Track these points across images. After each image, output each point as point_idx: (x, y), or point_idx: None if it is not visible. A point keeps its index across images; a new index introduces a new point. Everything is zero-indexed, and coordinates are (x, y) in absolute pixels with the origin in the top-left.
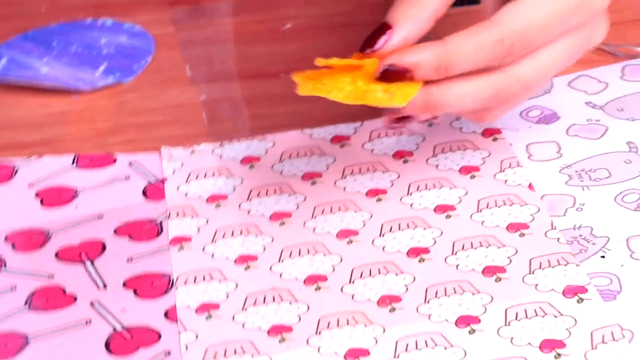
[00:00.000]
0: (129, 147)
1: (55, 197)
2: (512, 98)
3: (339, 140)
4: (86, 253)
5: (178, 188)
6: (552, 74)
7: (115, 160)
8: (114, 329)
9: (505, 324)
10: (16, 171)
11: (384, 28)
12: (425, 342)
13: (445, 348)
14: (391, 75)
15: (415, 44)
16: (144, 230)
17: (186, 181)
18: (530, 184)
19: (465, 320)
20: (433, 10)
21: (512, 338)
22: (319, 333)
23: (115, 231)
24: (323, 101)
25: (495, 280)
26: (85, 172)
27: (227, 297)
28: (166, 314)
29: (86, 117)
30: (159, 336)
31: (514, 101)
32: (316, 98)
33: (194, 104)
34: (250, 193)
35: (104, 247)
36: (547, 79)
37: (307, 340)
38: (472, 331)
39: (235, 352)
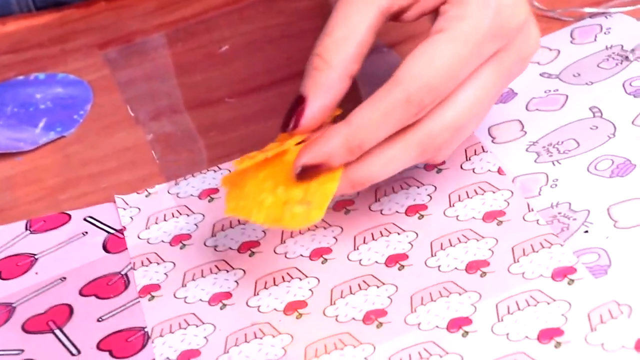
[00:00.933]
0: (82, 202)
1: (13, 267)
2: (448, 143)
3: None
4: (54, 321)
5: (139, 235)
6: (486, 104)
7: (70, 218)
8: None
9: (499, 320)
10: None
11: (299, 102)
12: (419, 353)
13: (441, 356)
14: (308, 174)
15: (333, 108)
16: (110, 286)
17: (146, 227)
18: (499, 168)
19: (456, 324)
20: (344, 70)
21: (507, 334)
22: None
23: (80, 292)
24: (275, 120)
25: (481, 276)
26: (41, 235)
27: (207, 341)
28: None
29: (33, 177)
30: None
31: (454, 142)
32: (267, 117)
33: (142, 145)
34: (214, 228)
35: (71, 311)
36: (483, 111)
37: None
38: (465, 334)
39: None
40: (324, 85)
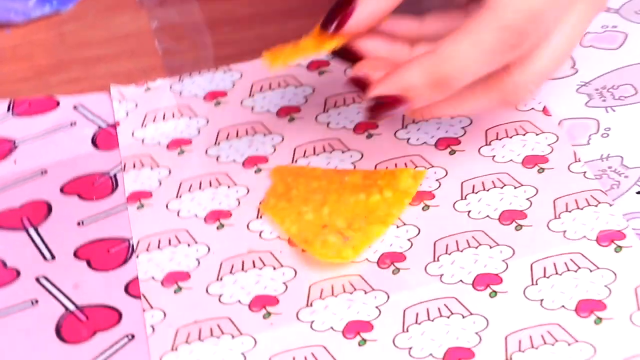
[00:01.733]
0: (73, 87)
1: None
2: (535, 90)
3: (317, 66)
4: (28, 218)
5: (133, 133)
6: (576, 43)
7: (57, 104)
8: (66, 309)
9: (533, 283)
10: None
11: (346, 1)
12: (439, 309)
13: (463, 316)
14: (381, 109)
15: (386, 18)
16: (95, 187)
17: (142, 125)
18: (544, 107)
19: (484, 281)
20: None
21: (542, 300)
22: (311, 304)
23: (61, 189)
24: (296, 22)
25: (516, 229)
26: (24, 119)
27: (199, 264)
28: (127, 289)
29: (22, 53)
30: (120, 316)
31: (540, 89)
32: (288, 18)
33: (145, 33)
34: (218, 135)
35: (49, 209)
36: (572, 51)
37: (297, 315)
38: (494, 294)
39: (212, 333)
40: None
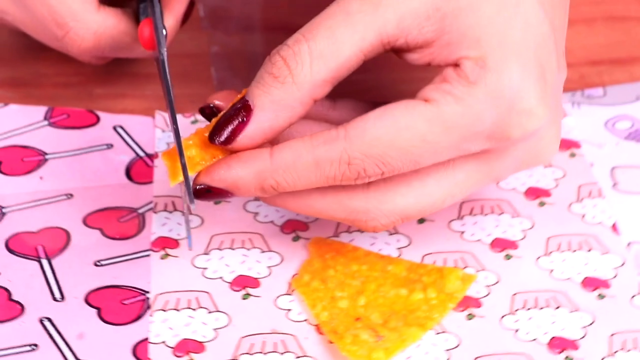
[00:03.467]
0: (117, 104)
1: (16, 160)
2: (388, 225)
3: None
4: (44, 247)
5: None
6: (448, 202)
7: (97, 120)
8: None
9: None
10: None
11: (243, 108)
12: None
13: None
14: (206, 196)
15: (282, 130)
16: (120, 224)
17: None
18: (614, 223)
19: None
20: (308, 92)
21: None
22: None
23: (84, 220)
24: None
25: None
26: (59, 131)
27: (216, 336)
28: (135, 350)
29: (68, 56)
30: None
31: (396, 225)
32: None
33: (202, 56)
34: None
35: (68, 240)
36: (442, 206)
37: None
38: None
39: None
40: (279, 103)
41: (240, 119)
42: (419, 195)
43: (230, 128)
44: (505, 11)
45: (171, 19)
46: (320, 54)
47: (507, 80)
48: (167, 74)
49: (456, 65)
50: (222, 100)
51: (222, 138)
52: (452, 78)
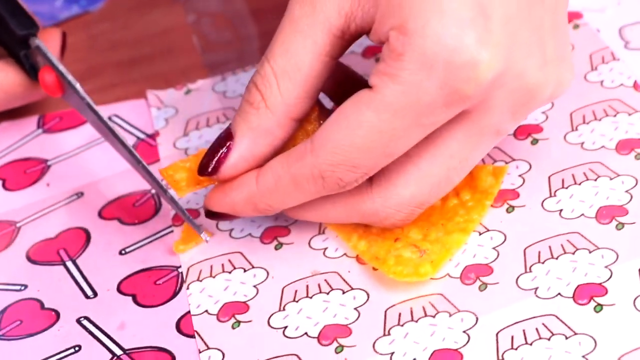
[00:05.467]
0: (107, 96)
1: (19, 174)
2: (405, 217)
3: (374, 52)
4: (65, 250)
5: (175, 144)
6: (453, 175)
7: None
8: (113, 355)
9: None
10: None
11: (227, 137)
12: (537, 330)
13: (566, 337)
14: (215, 218)
15: (269, 154)
16: (136, 208)
17: (184, 133)
18: (635, 82)
19: (586, 293)
20: (284, 113)
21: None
22: (389, 333)
23: (99, 213)
24: None
25: (617, 228)
26: (55, 135)
27: (257, 292)
28: (178, 326)
29: None
30: (173, 359)
31: (413, 215)
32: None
33: (181, 28)
34: None
35: (88, 238)
36: (449, 184)
37: (374, 346)
38: (599, 307)
39: None
40: (257, 129)
41: (223, 149)
42: (418, 179)
43: (215, 158)
44: None
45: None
46: (283, 71)
47: (433, 38)
48: (93, 108)
49: (386, 39)
50: None
51: (209, 169)
52: (385, 55)
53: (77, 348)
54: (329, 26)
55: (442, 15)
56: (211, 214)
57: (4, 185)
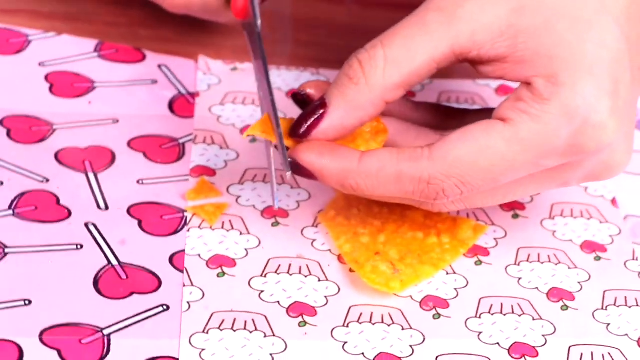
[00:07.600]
0: (161, 46)
1: (67, 85)
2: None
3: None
4: (91, 162)
5: (210, 109)
6: (514, 200)
7: (144, 58)
8: (108, 262)
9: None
10: (28, 44)
11: (320, 105)
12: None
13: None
14: (298, 172)
15: (356, 127)
16: (162, 149)
17: (221, 102)
18: (614, 198)
19: (520, 350)
20: (380, 95)
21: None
22: (347, 325)
23: (129, 143)
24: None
25: (562, 308)
26: (108, 63)
27: (247, 254)
28: (171, 259)
29: None
30: (159, 284)
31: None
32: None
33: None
34: None
35: (113, 159)
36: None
37: (332, 332)
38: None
39: (245, 327)
40: (351, 102)
41: (316, 116)
42: (488, 202)
43: (307, 124)
44: (578, 28)
45: None
46: (395, 59)
47: (580, 95)
48: (262, 45)
49: (529, 83)
50: (313, 89)
51: (300, 132)
52: (526, 96)
53: (79, 246)
54: (456, 44)
55: (592, 78)
56: (296, 166)
57: (50, 89)
